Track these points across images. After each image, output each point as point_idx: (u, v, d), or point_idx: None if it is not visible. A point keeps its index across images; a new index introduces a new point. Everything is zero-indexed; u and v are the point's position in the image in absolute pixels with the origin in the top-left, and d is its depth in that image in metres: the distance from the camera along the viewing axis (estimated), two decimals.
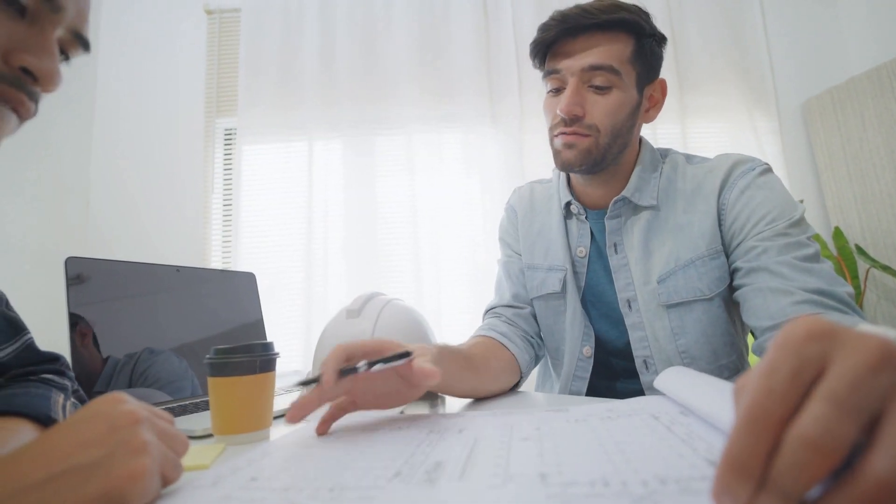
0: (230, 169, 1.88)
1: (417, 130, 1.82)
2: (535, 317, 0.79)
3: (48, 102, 0.37)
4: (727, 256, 0.64)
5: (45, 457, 0.24)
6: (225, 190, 1.88)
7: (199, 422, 0.53)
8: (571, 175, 0.74)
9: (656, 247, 0.67)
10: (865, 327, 0.18)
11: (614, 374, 0.73)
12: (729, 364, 0.66)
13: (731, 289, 0.64)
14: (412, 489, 0.26)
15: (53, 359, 0.47)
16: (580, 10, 0.64)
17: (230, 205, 1.83)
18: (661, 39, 0.67)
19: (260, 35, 1.85)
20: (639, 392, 0.68)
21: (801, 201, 1.27)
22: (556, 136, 0.67)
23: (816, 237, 0.60)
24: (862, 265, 1.72)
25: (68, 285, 0.62)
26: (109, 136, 1.84)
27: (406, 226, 1.78)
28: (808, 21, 1.97)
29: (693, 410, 0.37)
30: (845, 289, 0.54)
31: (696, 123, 1.86)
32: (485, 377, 0.61)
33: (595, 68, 0.63)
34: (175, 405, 0.66)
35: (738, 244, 0.62)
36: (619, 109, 0.65)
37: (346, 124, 1.82)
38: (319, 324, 1.63)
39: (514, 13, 1.87)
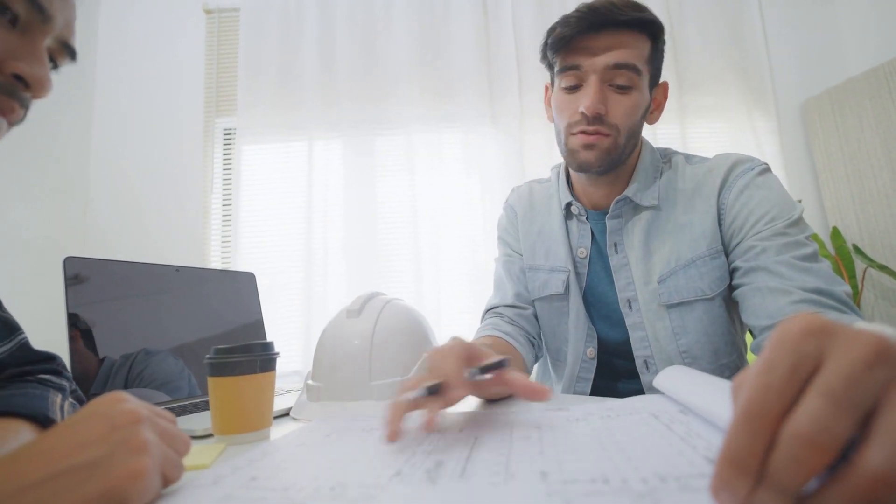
0: (229, 169, 1.88)
1: (417, 130, 1.82)
2: (536, 317, 0.79)
3: (48, 102, 0.38)
4: (727, 256, 0.64)
5: (45, 456, 0.24)
6: (224, 190, 1.88)
7: (199, 422, 0.53)
8: (573, 175, 0.74)
9: (656, 247, 0.67)
10: (861, 325, 0.18)
11: (616, 374, 0.73)
12: (730, 363, 0.66)
13: (731, 288, 0.64)
14: (413, 488, 0.26)
15: (49, 358, 0.47)
16: (610, 5, 0.61)
17: (230, 205, 1.83)
18: (664, 42, 0.68)
19: (259, 34, 1.85)
20: (640, 392, 0.68)
21: (800, 201, 1.27)
22: (575, 134, 0.65)
23: (814, 237, 0.60)
24: (859, 265, 1.72)
25: (67, 285, 0.62)
26: (109, 135, 1.84)
27: (406, 226, 1.78)
28: (806, 22, 1.98)
29: (692, 409, 0.37)
30: (843, 288, 0.55)
31: (695, 123, 1.87)
32: None
33: (619, 67, 0.62)
34: (175, 405, 0.66)
35: (737, 244, 0.62)
36: (636, 110, 0.64)
37: (346, 124, 1.82)
38: (319, 324, 1.63)
39: (513, 13, 1.87)
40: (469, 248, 1.76)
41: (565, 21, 0.63)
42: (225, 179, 1.89)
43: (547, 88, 0.74)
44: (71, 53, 0.41)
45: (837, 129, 1.79)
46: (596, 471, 0.26)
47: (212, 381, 0.44)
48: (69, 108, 1.74)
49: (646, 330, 0.67)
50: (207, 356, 0.45)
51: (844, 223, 1.79)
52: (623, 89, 0.63)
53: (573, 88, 0.65)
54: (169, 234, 1.79)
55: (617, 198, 0.68)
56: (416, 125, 1.82)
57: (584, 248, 0.73)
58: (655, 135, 1.81)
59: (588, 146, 0.64)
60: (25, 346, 0.46)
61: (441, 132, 1.84)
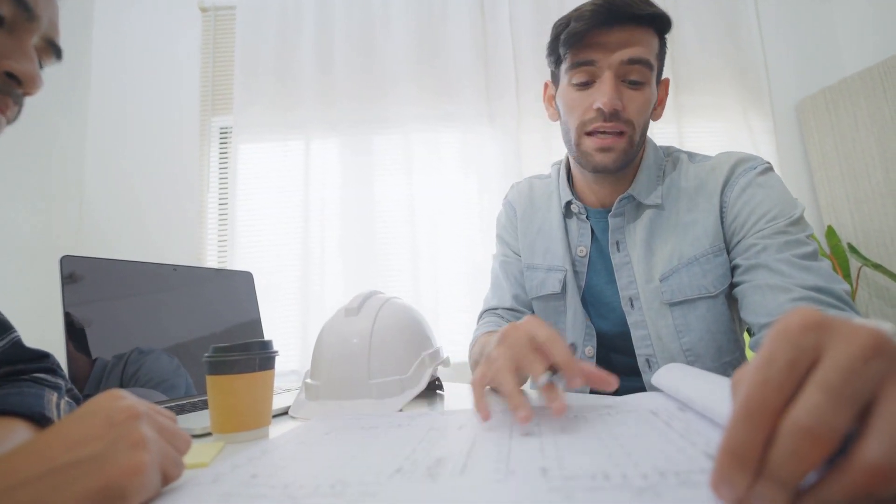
0: (226, 167, 1.87)
1: (415, 129, 1.82)
2: None
3: (44, 101, 0.38)
4: (728, 254, 0.65)
5: (43, 452, 0.24)
6: (221, 189, 1.87)
7: (197, 421, 0.53)
8: (576, 172, 0.74)
9: (658, 245, 0.67)
10: (859, 320, 0.18)
11: (616, 372, 0.73)
12: (732, 361, 0.66)
13: (732, 285, 0.64)
14: (413, 485, 0.26)
15: (42, 356, 0.47)
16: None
17: (226, 203, 1.82)
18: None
19: (255, 32, 1.84)
20: (640, 390, 0.68)
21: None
22: (590, 135, 0.64)
23: (811, 236, 0.61)
24: (854, 263, 1.73)
25: (63, 284, 0.62)
26: (104, 134, 1.82)
27: (403, 225, 1.78)
28: (802, 22, 1.99)
29: (691, 405, 0.37)
30: (843, 286, 0.55)
31: (691, 123, 1.87)
32: None
33: (634, 62, 0.61)
34: (172, 404, 0.65)
35: (739, 241, 0.62)
36: (648, 106, 0.64)
37: (344, 123, 1.81)
38: (316, 323, 1.62)
39: (511, 12, 1.87)
40: (467, 246, 1.76)
41: (578, 15, 0.61)
42: (221, 178, 1.88)
43: (547, 86, 0.73)
44: (56, 52, 0.42)
45: (833, 128, 1.81)
46: (596, 467, 0.26)
47: (210, 380, 0.44)
48: (65, 107, 1.73)
49: (648, 328, 0.67)
50: (206, 354, 0.45)
51: (839, 222, 1.80)
52: (636, 85, 0.62)
53: (585, 85, 0.63)
54: (166, 232, 1.78)
55: (621, 196, 0.68)
56: (413, 124, 1.82)
57: (583, 247, 0.73)
58: (652, 134, 1.80)
59: (604, 149, 0.63)
60: (18, 344, 0.46)
61: (438, 131, 1.84)
